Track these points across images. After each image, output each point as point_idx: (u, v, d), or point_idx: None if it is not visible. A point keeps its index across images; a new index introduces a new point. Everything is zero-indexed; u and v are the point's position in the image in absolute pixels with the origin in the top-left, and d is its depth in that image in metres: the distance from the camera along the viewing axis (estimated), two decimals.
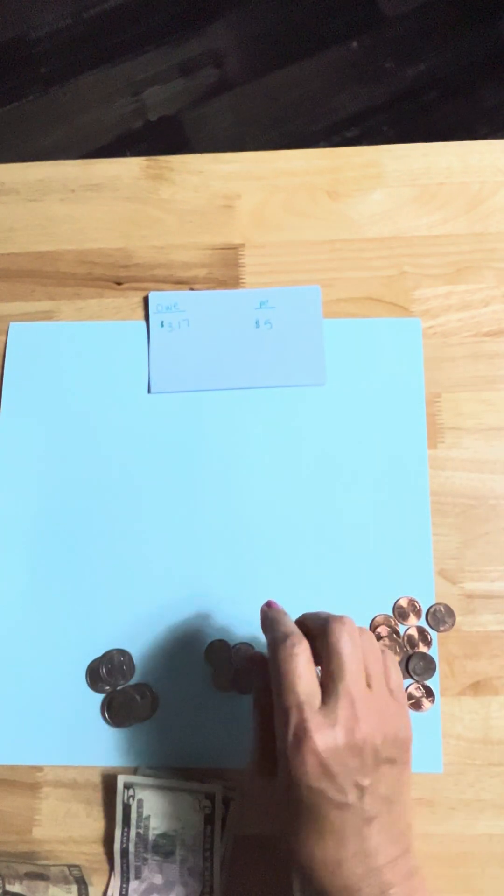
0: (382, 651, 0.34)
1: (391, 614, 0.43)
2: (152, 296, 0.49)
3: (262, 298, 0.48)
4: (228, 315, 0.48)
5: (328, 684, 0.31)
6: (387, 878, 0.30)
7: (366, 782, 0.30)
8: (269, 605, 0.36)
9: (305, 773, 0.30)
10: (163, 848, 0.39)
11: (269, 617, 0.35)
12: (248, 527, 0.45)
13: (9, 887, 0.39)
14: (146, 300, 0.49)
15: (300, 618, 0.35)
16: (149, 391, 0.47)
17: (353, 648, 0.32)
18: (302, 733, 0.30)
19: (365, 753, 0.30)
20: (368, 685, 0.32)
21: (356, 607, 0.43)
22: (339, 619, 0.33)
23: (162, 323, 0.48)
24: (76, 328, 0.48)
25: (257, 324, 0.48)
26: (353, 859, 0.30)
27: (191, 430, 0.46)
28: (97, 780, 0.42)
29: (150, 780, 0.40)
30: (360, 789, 0.30)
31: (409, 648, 0.42)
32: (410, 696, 0.42)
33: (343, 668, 0.31)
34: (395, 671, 0.34)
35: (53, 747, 0.42)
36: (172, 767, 0.42)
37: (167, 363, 0.47)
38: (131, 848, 0.39)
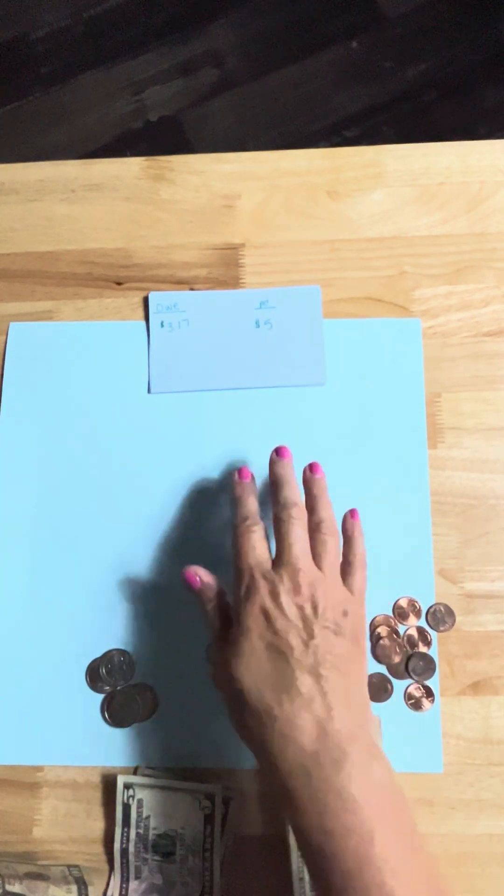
0: (354, 556, 0.39)
1: (391, 614, 0.43)
2: (152, 296, 0.49)
3: (262, 298, 0.48)
4: (228, 315, 0.48)
5: (277, 557, 0.37)
6: (344, 746, 0.31)
7: (310, 640, 0.34)
8: (241, 475, 0.41)
9: (254, 621, 0.35)
10: (163, 848, 0.39)
11: (237, 495, 0.40)
12: None
13: (9, 887, 0.39)
14: (146, 300, 0.49)
15: (275, 477, 0.40)
16: (149, 391, 0.47)
17: (298, 535, 0.37)
18: (252, 586, 0.36)
19: (306, 613, 0.34)
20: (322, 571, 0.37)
21: None
22: (289, 511, 0.38)
23: (162, 323, 0.48)
24: (76, 328, 0.48)
25: (257, 324, 0.48)
26: (307, 714, 0.32)
27: (191, 430, 0.46)
28: (97, 780, 0.42)
29: (150, 780, 0.40)
30: (305, 644, 0.34)
31: (408, 648, 0.42)
32: (410, 696, 0.42)
33: (289, 547, 0.37)
34: (360, 576, 0.39)
35: (53, 747, 0.42)
36: (172, 767, 0.42)
37: (167, 363, 0.47)
38: (131, 848, 0.39)
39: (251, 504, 0.40)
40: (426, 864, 0.31)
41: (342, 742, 0.31)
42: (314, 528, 0.38)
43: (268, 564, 0.37)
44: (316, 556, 0.37)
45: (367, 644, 0.42)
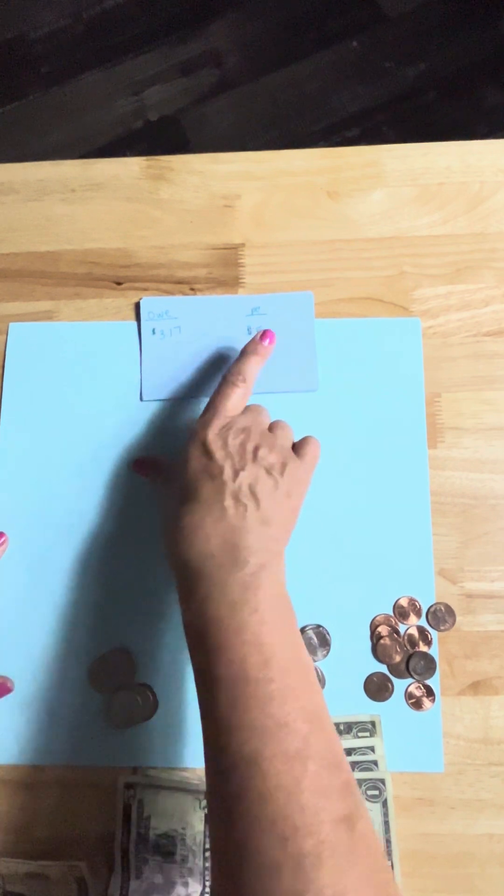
0: (307, 438, 0.41)
1: (392, 614, 0.43)
2: (144, 302, 0.48)
3: (253, 305, 0.48)
4: (220, 321, 0.48)
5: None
6: (240, 556, 0.34)
7: (240, 471, 0.36)
8: (263, 336, 0.43)
9: (194, 454, 0.38)
10: (163, 848, 0.39)
11: (246, 350, 0.42)
12: None
13: (9, 887, 0.39)
14: (137, 307, 0.49)
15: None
16: (141, 399, 0.47)
17: (261, 412, 0.41)
18: (208, 419, 0.39)
19: (247, 450, 0.37)
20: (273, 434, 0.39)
21: (356, 607, 0.43)
22: (258, 406, 0.41)
23: (154, 330, 0.48)
24: (76, 328, 0.48)
25: (249, 330, 0.48)
26: (221, 526, 0.35)
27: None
28: (97, 780, 0.42)
29: (150, 780, 0.40)
30: (235, 473, 0.36)
31: (409, 648, 0.42)
32: (411, 696, 0.42)
33: (250, 410, 0.40)
34: (312, 449, 0.41)
35: (53, 747, 0.42)
36: (172, 767, 0.42)
37: (159, 370, 0.47)
38: (131, 848, 0.39)
39: (253, 368, 0.42)
40: (304, 660, 0.33)
41: (240, 553, 0.34)
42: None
43: (234, 413, 0.40)
44: (271, 428, 0.40)
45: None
